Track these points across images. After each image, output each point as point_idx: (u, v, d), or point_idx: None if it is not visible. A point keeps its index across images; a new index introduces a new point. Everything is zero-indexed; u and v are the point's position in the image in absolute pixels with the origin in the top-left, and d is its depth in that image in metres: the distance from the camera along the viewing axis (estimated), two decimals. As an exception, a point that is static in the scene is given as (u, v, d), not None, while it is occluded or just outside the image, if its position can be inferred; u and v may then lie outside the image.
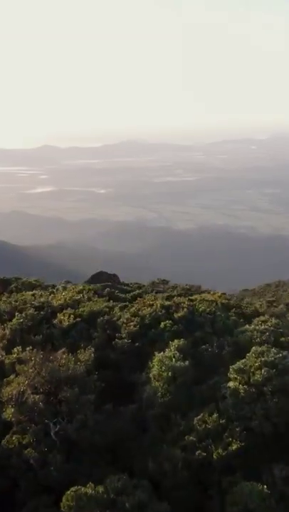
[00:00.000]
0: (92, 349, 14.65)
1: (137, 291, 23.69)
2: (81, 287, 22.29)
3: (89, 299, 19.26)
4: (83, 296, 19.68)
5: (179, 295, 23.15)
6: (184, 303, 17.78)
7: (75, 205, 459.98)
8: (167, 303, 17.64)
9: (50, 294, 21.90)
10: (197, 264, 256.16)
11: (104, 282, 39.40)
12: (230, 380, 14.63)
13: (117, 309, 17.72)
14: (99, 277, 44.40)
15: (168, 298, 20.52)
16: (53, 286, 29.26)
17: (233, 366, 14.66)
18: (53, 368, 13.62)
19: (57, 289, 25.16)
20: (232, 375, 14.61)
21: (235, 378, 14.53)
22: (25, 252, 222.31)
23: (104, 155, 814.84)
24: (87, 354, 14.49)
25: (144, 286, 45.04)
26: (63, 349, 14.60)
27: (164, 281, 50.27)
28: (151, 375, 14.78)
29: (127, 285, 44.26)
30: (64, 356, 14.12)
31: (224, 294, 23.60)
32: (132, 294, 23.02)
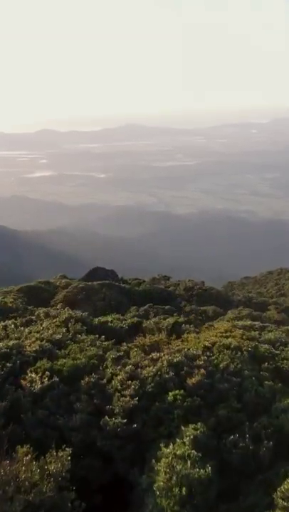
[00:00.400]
0: (69, 451, 8.81)
1: (136, 318, 18.85)
2: (67, 315, 16.69)
3: (74, 335, 14.46)
4: (68, 331, 14.45)
5: (188, 321, 19.72)
6: (200, 358, 12.39)
7: (74, 189, 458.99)
8: (176, 359, 12.25)
9: (25, 328, 15.65)
10: (197, 249, 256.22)
11: (101, 279, 38.66)
12: (276, 507, 8.66)
13: (109, 362, 12.74)
14: (95, 274, 42.03)
15: (174, 326, 17.26)
16: (32, 313, 22.71)
17: (282, 488, 8.69)
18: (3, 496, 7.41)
19: (37, 316, 18.94)
20: (279, 501, 8.64)
21: (285, 508, 8.55)
22: (25, 237, 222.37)
23: (104, 139, 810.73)
24: (60, 462, 8.79)
25: (144, 282, 44.23)
26: (26, 448, 8.55)
27: (166, 277, 48.79)
28: (155, 487, 9.17)
29: (126, 282, 43.52)
30: (25, 467, 8.19)
31: (247, 322, 18.36)
32: (129, 322, 18.04)
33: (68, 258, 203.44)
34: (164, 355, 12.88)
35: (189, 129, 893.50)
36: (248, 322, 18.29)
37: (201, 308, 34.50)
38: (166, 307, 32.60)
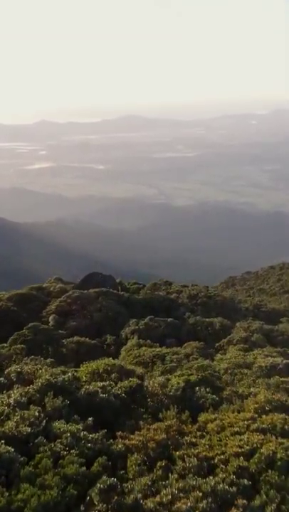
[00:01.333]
0: None
1: (135, 380, 12.72)
2: (45, 380, 11.40)
3: (50, 420, 9.99)
4: (44, 409, 10.27)
5: (203, 380, 14.49)
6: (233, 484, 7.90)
7: (74, 181, 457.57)
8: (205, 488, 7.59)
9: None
10: (197, 241, 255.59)
11: (98, 285, 35.21)
12: None
13: (95, 495, 7.85)
14: (91, 279, 37.30)
15: (185, 391, 12.97)
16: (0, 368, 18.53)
17: None
18: None
19: (6, 376, 13.74)
20: None
21: None
22: (25, 229, 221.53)
23: (104, 130, 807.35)
24: None
25: (143, 287, 41.01)
26: None
27: (167, 283, 44.35)
28: None
29: (124, 287, 39.20)
30: None
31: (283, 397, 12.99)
32: (126, 385, 12.32)
33: (67, 252, 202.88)
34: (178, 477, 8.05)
35: (189, 120, 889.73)
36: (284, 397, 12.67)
37: (207, 319, 31.21)
38: (169, 320, 29.74)
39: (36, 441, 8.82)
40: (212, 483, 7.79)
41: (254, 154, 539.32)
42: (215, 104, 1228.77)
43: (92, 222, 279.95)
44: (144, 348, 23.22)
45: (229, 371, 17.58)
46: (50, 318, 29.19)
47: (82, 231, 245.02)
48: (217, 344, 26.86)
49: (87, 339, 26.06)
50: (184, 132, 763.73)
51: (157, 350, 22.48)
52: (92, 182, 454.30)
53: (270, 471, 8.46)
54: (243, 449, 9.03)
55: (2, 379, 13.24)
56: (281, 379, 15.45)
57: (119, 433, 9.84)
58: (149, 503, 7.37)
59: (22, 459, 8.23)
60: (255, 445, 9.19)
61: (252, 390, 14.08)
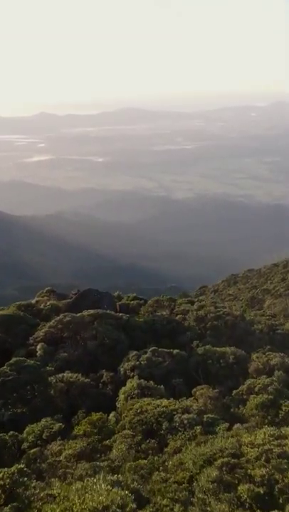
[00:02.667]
0: None
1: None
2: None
3: None
4: None
5: None
6: None
7: (73, 174, 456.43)
8: None
9: None
10: (196, 234, 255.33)
11: (93, 304, 31.75)
12: None
13: None
14: (86, 298, 33.38)
15: None
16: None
17: None
18: None
19: None
20: None
21: None
22: (24, 222, 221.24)
23: (103, 122, 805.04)
24: None
25: (145, 303, 36.95)
26: None
27: (171, 300, 38.23)
28: None
29: (124, 306, 35.61)
30: None
31: None
32: None
33: (66, 243, 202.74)
34: None
35: (189, 112, 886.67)
36: None
37: (218, 349, 26.86)
38: (174, 352, 25.63)
39: None
40: None
41: (254, 147, 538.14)
42: (214, 95, 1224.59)
43: (92, 215, 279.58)
44: (146, 401, 19.60)
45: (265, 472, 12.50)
46: (38, 347, 25.69)
47: (82, 224, 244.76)
48: (235, 391, 21.84)
49: (80, 376, 22.76)
50: (184, 124, 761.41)
51: (163, 404, 19.05)
52: (91, 175, 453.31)
53: None
54: None
55: None
56: None
57: None
58: None
59: None
60: None
61: None
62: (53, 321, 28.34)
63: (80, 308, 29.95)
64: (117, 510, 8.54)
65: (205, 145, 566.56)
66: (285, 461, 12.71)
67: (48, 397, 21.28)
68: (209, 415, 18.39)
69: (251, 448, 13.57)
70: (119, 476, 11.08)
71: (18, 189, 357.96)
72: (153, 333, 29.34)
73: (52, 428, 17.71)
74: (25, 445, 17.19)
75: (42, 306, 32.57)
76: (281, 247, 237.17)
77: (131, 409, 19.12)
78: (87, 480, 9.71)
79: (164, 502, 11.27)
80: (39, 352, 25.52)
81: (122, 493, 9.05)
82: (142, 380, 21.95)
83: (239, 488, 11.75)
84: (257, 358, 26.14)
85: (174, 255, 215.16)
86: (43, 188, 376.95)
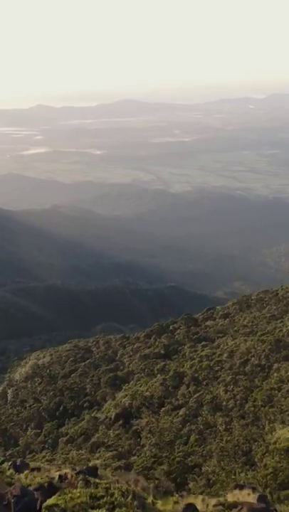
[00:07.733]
0: None
1: None
2: None
3: None
4: None
5: None
6: None
7: (70, 166, 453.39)
8: None
9: None
10: (195, 227, 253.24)
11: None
12: None
13: None
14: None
15: None
16: None
17: None
18: None
19: None
20: None
21: None
22: (21, 216, 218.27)
23: (100, 115, 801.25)
24: None
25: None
26: None
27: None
28: None
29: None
30: None
31: None
32: None
33: (63, 238, 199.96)
34: None
35: (187, 104, 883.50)
36: None
37: None
38: None
39: None
40: None
41: (252, 139, 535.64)
42: (212, 87, 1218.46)
43: (89, 209, 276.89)
44: None
45: None
46: None
47: (79, 217, 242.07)
48: None
49: None
50: (182, 116, 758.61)
51: None
52: (88, 167, 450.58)
53: None
54: None
55: None
56: None
57: None
58: None
59: None
60: None
61: None
62: None
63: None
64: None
65: (203, 137, 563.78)
66: None
67: None
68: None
69: None
70: None
71: (15, 182, 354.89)
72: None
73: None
74: None
75: None
76: (280, 239, 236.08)
77: None
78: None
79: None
80: None
81: None
82: None
83: None
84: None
85: (173, 249, 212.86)
86: (39, 181, 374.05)
